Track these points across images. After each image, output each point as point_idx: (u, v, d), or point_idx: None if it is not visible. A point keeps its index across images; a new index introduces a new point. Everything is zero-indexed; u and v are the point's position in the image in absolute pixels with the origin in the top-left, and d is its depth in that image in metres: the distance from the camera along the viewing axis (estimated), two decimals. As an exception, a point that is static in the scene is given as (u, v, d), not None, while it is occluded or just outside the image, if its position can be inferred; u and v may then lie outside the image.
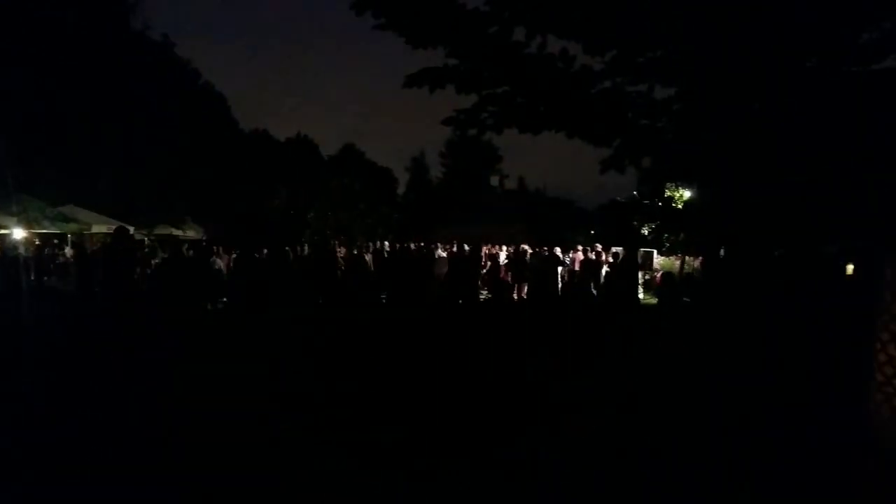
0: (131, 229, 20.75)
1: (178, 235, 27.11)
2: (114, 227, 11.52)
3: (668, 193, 19.20)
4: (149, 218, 26.75)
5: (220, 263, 16.27)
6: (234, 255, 16.76)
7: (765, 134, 4.87)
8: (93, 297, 13.09)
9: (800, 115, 4.86)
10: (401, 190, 57.90)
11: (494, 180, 46.62)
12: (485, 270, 17.43)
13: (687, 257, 19.51)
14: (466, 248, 15.49)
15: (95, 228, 21.17)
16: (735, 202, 5.01)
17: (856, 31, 5.05)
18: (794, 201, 5.04)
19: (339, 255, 16.59)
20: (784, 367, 5.06)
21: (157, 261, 17.69)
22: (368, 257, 17.04)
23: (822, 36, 4.91)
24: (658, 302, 15.72)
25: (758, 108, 5.11)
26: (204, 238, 27.32)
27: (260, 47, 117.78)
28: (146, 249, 20.99)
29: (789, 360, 5.04)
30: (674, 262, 21.19)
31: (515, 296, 16.22)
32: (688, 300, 13.44)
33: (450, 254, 16.77)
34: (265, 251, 17.25)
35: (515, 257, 16.75)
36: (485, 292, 16.46)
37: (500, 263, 18.10)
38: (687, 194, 18.11)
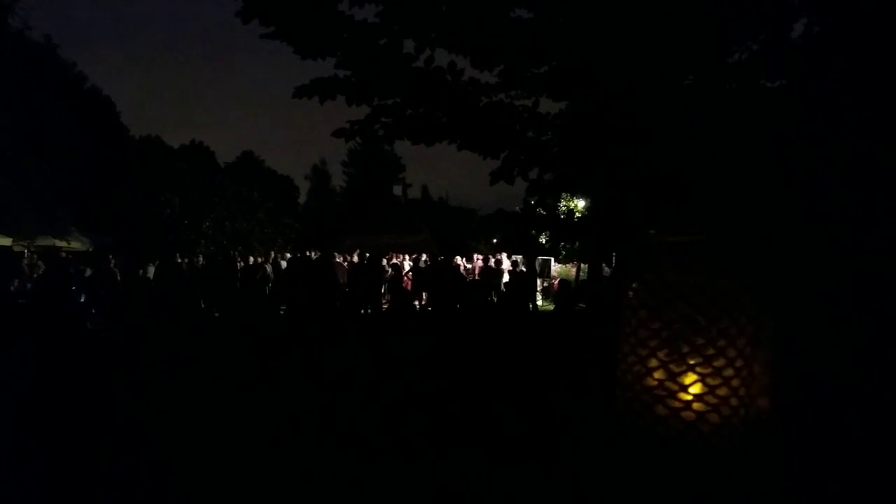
0: (9, 241, 19.25)
1: (62, 247, 25.34)
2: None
3: (563, 203, 19.93)
4: (28, 228, 24.84)
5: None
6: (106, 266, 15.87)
7: (642, 148, 5.17)
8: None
9: (675, 131, 5.18)
10: (302, 199, 56.97)
11: (398, 189, 46.58)
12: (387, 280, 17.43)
13: (582, 265, 20.33)
14: (367, 256, 15.44)
15: (-34, 241, 19.47)
16: (612, 212, 5.29)
17: (724, 52, 5.48)
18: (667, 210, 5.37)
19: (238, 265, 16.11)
20: None
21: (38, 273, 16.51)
22: (269, 267, 16.71)
23: (694, 55, 5.27)
24: (555, 308, 16.26)
25: (636, 124, 5.41)
26: (90, 249, 25.71)
27: (154, 53, 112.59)
28: (26, 262, 19.48)
29: None
30: (570, 270, 22.02)
31: (417, 304, 16.30)
32: (583, 306, 14.01)
33: (350, 263, 16.68)
34: (157, 262, 16.51)
35: (416, 266, 16.87)
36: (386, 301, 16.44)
37: (403, 272, 18.16)
38: (581, 204, 18.92)
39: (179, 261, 16.72)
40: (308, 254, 18.56)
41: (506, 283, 16.54)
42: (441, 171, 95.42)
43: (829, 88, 4.87)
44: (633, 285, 4.19)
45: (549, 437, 5.15)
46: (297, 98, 4.97)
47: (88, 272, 15.16)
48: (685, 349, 3.90)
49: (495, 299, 16.74)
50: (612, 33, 4.94)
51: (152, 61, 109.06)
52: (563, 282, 18.02)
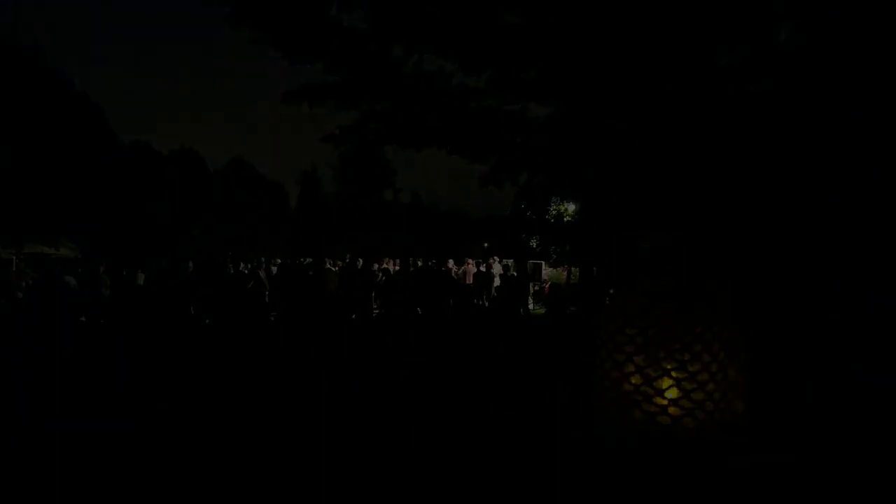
0: (-6, 248, 19.05)
1: (50, 254, 25.14)
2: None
3: (553, 207, 19.92)
4: (16, 235, 24.65)
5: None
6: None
7: (631, 150, 5.20)
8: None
9: (665, 133, 5.20)
10: (293, 204, 56.72)
11: (388, 194, 46.53)
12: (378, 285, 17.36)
13: (573, 268, 20.35)
14: (360, 262, 15.41)
15: (-47, 248, 19.25)
16: (601, 215, 5.32)
17: (711, 54, 5.50)
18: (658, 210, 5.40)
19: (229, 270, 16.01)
20: None
21: (28, 282, 16.33)
22: (262, 273, 16.61)
23: (681, 57, 5.30)
24: (546, 312, 16.26)
25: (626, 127, 5.43)
26: (79, 255, 25.53)
27: (143, 59, 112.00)
28: (13, 269, 19.29)
29: None
30: (561, 273, 22.03)
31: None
32: (574, 309, 14.01)
33: (340, 269, 16.62)
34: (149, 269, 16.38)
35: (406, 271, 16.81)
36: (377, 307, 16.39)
37: (394, 277, 18.08)
38: (571, 208, 18.93)
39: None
40: (300, 260, 18.46)
41: (497, 288, 16.52)
42: (432, 175, 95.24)
43: (815, 91, 4.92)
44: (610, 291, 4.24)
45: (529, 442, 5.13)
46: (286, 103, 4.99)
47: (73, 281, 14.99)
48: (661, 354, 3.96)
49: (486, 304, 16.75)
50: (604, 38, 4.97)
51: (141, 67, 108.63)
52: (555, 286, 18.03)
